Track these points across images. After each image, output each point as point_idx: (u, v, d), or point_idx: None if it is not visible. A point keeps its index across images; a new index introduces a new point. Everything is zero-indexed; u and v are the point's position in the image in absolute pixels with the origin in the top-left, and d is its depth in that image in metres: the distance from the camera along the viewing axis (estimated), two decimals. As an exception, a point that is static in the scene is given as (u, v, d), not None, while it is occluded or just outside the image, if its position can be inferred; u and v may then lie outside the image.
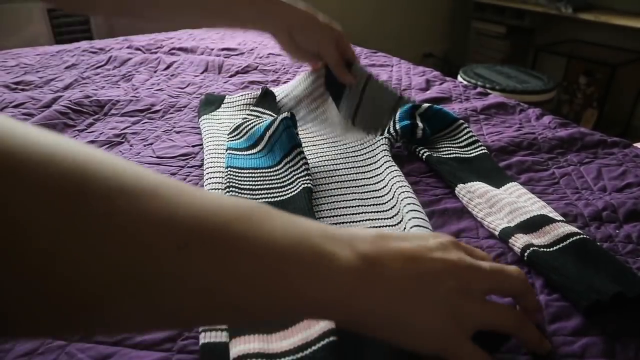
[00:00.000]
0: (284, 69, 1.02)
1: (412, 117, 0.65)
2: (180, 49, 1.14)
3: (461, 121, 0.69)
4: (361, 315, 0.28)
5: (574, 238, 0.45)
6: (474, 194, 0.54)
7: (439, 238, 0.33)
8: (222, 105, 0.76)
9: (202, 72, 1.00)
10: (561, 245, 0.45)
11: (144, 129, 0.72)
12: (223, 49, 1.15)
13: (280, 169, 0.56)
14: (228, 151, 0.60)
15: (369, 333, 0.29)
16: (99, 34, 1.90)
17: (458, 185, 0.55)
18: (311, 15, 0.65)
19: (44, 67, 1.00)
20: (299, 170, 0.55)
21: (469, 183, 0.55)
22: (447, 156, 0.62)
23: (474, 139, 0.66)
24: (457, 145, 0.66)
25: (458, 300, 0.30)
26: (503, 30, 2.73)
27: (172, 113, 0.79)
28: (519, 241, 0.46)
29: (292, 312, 0.28)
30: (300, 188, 0.52)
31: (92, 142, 0.67)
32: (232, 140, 0.63)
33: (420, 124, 0.64)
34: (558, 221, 0.48)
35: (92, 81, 0.92)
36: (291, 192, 0.52)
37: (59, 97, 0.81)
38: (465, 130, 0.68)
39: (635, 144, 0.70)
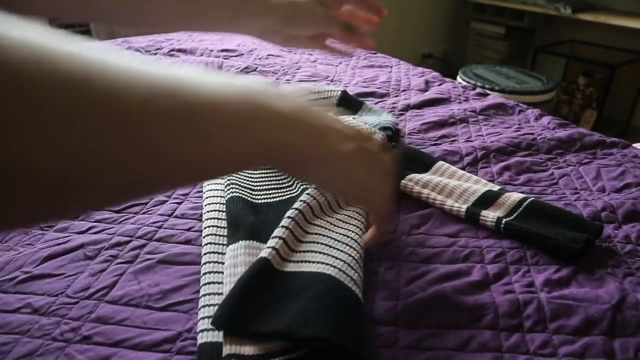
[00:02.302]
0: (284, 70, 1.02)
1: None
2: (179, 50, 1.14)
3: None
4: (296, 154, 0.31)
5: (525, 203, 0.51)
6: (418, 184, 0.55)
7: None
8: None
9: (201, 74, 0.99)
10: (518, 211, 0.50)
11: (143, 130, 0.72)
12: (222, 50, 1.15)
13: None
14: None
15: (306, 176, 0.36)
16: (99, 36, 1.91)
17: (401, 183, 0.56)
18: (292, 1, 0.56)
19: (43, 68, 1.00)
20: None
21: (406, 177, 0.57)
22: None
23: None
24: None
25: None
26: (502, 31, 2.73)
27: (171, 114, 0.78)
28: (489, 217, 0.50)
29: (241, 158, 0.29)
30: (300, 189, 0.52)
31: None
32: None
33: None
34: (503, 193, 0.53)
35: (91, 82, 0.92)
36: (290, 194, 0.52)
37: (58, 99, 0.81)
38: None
39: (634, 145, 0.70)
